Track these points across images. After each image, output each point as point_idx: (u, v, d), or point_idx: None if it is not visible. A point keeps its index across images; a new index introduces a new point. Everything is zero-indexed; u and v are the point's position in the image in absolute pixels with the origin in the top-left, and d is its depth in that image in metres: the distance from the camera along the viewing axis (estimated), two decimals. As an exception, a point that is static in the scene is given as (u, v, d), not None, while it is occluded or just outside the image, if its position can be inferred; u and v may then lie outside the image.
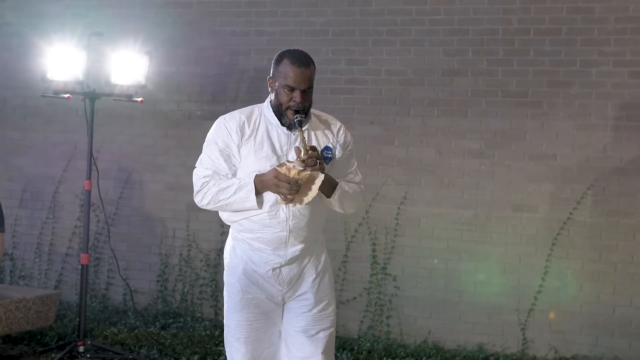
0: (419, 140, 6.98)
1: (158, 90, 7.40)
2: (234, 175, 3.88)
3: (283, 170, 3.66)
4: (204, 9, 7.63)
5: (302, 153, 3.67)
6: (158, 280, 7.70)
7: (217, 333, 6.91)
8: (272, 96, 3.91)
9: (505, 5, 6.76)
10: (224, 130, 3.89)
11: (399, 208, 6.97)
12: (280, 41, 7.29)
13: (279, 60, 3.89)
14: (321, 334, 4.00)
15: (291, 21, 7.33)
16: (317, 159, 3.69)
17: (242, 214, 3.88)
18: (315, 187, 3.70)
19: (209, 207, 3.93)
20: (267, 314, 3.98)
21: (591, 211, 6.53)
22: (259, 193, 3.77)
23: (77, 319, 6.40)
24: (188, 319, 7.35)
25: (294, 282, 3.97)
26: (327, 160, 3.92)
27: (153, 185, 7.78)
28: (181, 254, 7.65)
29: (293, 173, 3.64)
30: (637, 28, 6.45)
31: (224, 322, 4.04)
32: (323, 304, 4.02)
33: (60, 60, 6.14)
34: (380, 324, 7.01)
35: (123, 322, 7.25)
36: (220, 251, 7.47)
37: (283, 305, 4.01)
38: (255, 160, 3.84)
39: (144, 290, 7.74)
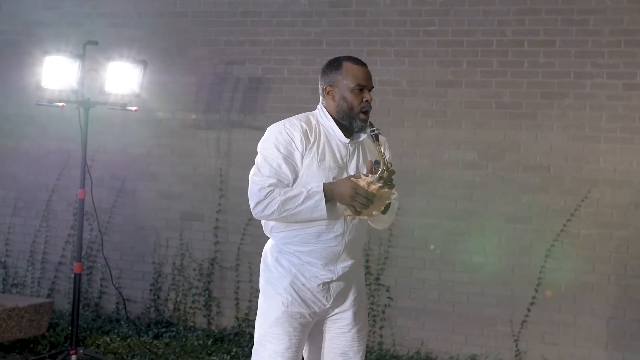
0: (413, 151, 6.98)
1: (153, 99, 7.39)
2: (293, 184, 3.68)
3: (362, 183, 3.53)
4: (199, 19, 7.63)
5: (380, 170, 3.58)
6: (151, 289, 7.69)
7: (209, 342, 6.90)
8: (333, 104, 3.80)
9: (499, 17, 6.77)
10: (286, 137, 3.68)
11: (392, 218, 6.96)
12: (274, 51, 7.30)
13: (337, 66, 3.83)
14: (357, 357, 3.93)
15: (286, 31, 7.34)
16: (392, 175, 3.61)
17: (295, 224, 3.71)
18: (386, 204, 3.60)
19: (271, 218, 3.69)
20: (303, 330, 3.82)
21: (585, 223, 6.53)
22: (327, 202, 3.60)
23: (70, 328, 6.38)
24: (181, 328, 7.34)
25: (339, 299, 3.86)
26: None
27: (146, 194, 7.77)
28: (174, 263, 7.64)
29: (372, 188, 3.52)
30: (631, 40, 6.47)
31: (256, 337, 3.85)
32: (360, 324, 3.93)
33: (55, 68, 6.12)
34: (373, 335, 7.00)
35: (116, 331, 7.23)
36: (213, 260, 7.48)
37: (317, 322, 3.89)
38: (319, 171, 3.68)
39: (136, 299, 7.73)
